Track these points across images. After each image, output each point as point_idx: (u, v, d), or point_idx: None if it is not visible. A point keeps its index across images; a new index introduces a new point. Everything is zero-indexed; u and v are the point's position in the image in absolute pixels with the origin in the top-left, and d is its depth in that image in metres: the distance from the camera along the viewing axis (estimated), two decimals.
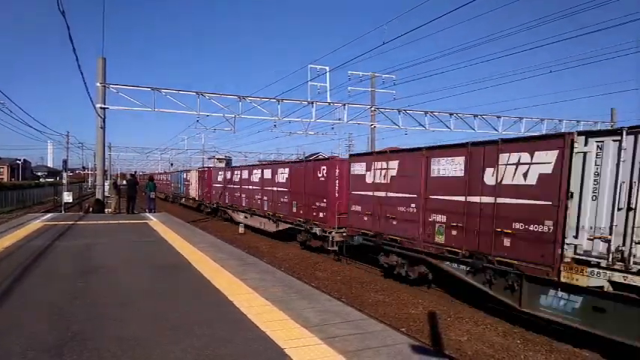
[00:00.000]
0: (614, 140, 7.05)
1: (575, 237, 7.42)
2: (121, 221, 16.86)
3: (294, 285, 7.46)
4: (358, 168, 13.62)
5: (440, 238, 10.17)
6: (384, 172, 12.28)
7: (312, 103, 23.24)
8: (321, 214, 15.74)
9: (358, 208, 13.47)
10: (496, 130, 26.53)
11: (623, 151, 6.85)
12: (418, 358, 4.38)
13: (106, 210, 21.69)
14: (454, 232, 9.80)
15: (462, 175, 9.63)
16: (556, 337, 8.07)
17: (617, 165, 6.92)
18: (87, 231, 13.81)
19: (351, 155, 14.72)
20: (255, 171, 22.92)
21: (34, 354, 4.20)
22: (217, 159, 58.73)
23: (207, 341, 4.61)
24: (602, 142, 7.18)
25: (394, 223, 11.76)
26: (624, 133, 6.84)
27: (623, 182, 6.81)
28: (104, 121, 20.34)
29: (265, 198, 21.02)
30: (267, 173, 20.99)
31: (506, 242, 8.55)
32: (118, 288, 6.88)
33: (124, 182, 33.87)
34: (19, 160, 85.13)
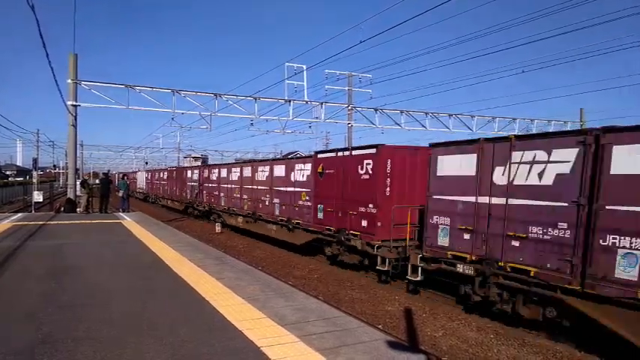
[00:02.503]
0: None
1: None
2: (93, 221, 16.50)
3: (271, 283, 7.46)
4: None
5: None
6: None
7: (290, 101, 23.20)
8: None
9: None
10: (470, 129, 27.09)
11: None
12: (394, 353, 4.45)
13: (77, 209, 21.23)
14: None
15: None
16: (529, 331, 8.30)
17: None
18: (59, 231, 13.47)
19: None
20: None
21: (3, 357, 4.09)
22: (193, 157, 58.16)
23: (182, 340, 4.58)
24: None
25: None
26: None
27: None
28: (76, 119, 19.87)
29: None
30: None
31: None
32: (92, 289, 6.74)
33: (97, 181, 33.12)
34: None
